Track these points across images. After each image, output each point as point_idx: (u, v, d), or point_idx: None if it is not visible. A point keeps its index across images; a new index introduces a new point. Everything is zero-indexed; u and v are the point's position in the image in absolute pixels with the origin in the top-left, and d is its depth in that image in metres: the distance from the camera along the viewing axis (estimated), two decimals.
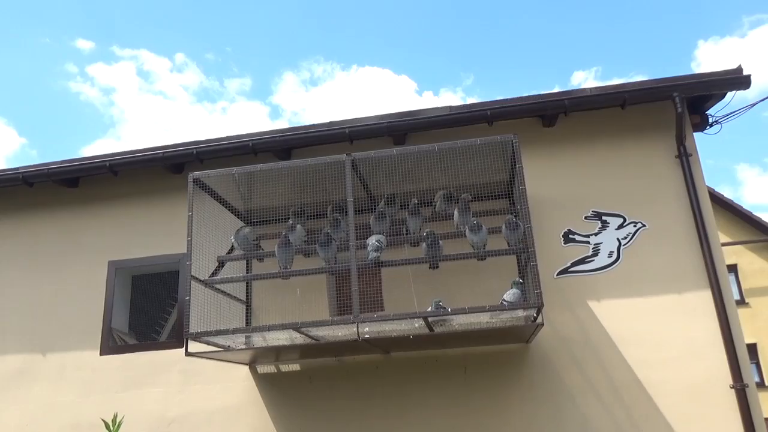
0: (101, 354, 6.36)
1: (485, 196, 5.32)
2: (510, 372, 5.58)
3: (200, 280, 5.11)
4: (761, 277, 18.63)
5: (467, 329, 4.93)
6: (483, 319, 4.92)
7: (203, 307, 5.05)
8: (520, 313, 4.83)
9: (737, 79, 5.61)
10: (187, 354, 4.98)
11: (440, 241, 5.10)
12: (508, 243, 5.11)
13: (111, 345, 6.42)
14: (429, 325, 4.80)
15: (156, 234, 6.60)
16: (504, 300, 4.82)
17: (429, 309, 4.86)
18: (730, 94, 5.86)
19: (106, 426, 4.04)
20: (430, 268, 5.28)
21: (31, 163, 6.79)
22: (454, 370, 5.68)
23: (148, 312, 7.11)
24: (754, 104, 6.11)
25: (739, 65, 5.60)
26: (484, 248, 5.11)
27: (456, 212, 5.29)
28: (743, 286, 18.61)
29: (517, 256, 5.41)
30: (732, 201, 19.12)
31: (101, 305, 6.52)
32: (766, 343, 18.14)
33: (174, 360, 6.10)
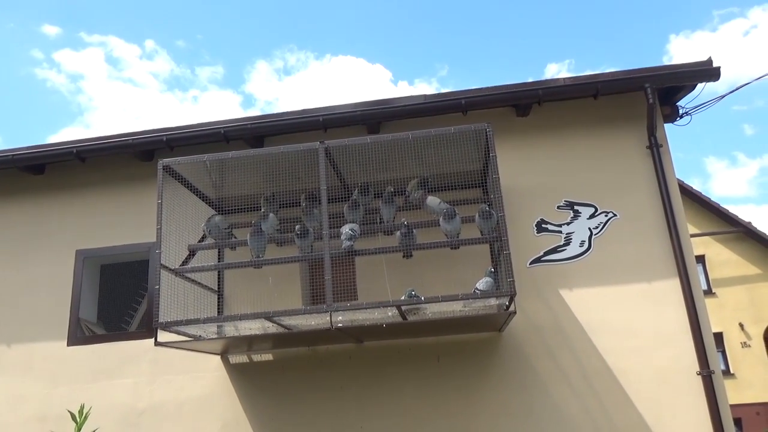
0: (69, 345, 6.23)
1: (459, 185, 5.32)
2: (483, 360, 5.62)
3: (170, 269, 5.02)
4: (728, 267, 19.07)
5: (440, 318, 4.94)
6: (456, 308, 4.94)
7: (173, 297, 4.97)
8: (493, 301, 4.85)
9: (707, 71, 5.69)
10: (157, 344, 4.91)
11: (414, 230, 5.09)
12: (481, 232, 5.11)
13: (79, 335, 6.29)
14: (402, 314, 4.80)
15: (125, 223, 6.47)
16: (477, 288, 4.83)
17: (402, 298, 4.85)
18: (700, 86, 5.95)
19: (72, 417, 3.94)
20: (403, 257, 5.27)
21: None
22: (427, 359, 5.69)
23: (117, 302, 7.00)
24: (723, 96, 6.22)
25: (709, 57, 5.68)
26: (457, 237, 5.12)
27: (429, 198, 5.29)
28: (710, 277, 19.03)
29: (490, 245, 5.43)
30: (700, 193, 19.52)
31: (68, 295, 6.38)
32: (731, 332, 18.60)
33: (144, 350, 6.00)
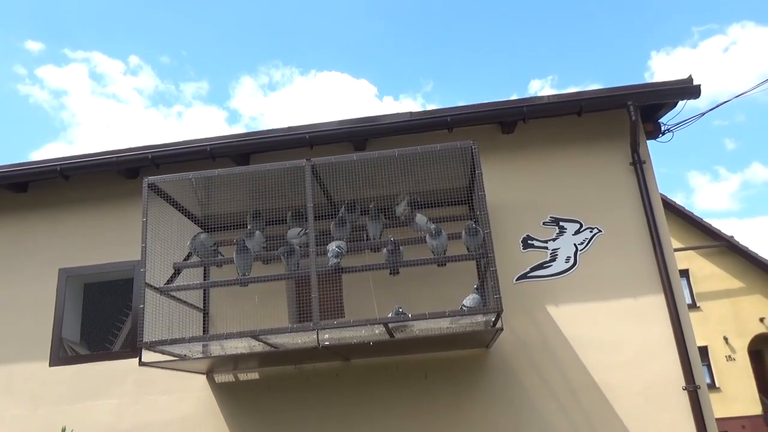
0: (51, 365, 6.13)
1: (445, 202, 5.33)
2: (470, 377, 5.60)
3: (155, 288, 4.98)
4: (712, 281, 19.22)
5: (428, 335, 4.93)
6: (443, 325, 4.93)
7: (158, 316, 4.92)
8: (480, 318, 4.85)
9: (688, 89, 5.79)
10: (141, 364, 4.85)
11: (401, 247, 5.09)
12: (467, 249, 5.13)
13: (61, 356, 6.20)
14: (389, 332, 4.78)
15: (109, 241, 6.42)
16: (464, 305, 4.83)
17: (389, 315, 4.84)
18: (681, 103, 6.04)
19: None
20: (390, 274, 5.27)
21: None
22: (414, 377, 5.67)
23: (100, 321, 6.89)
24: (704, 113, 6.32)
25: (690, 75, 5.78)
26: (444, 253, 5.13)
27: (417, 216, 5.30)
28: (694, 291, 19.16)
29: (476, 261, 5.44)
30: (683, 208, 19.71)
31: (51, 314, 6.30)
32: (716, 346, 18.71)
33: (128, 370, 5.92)
